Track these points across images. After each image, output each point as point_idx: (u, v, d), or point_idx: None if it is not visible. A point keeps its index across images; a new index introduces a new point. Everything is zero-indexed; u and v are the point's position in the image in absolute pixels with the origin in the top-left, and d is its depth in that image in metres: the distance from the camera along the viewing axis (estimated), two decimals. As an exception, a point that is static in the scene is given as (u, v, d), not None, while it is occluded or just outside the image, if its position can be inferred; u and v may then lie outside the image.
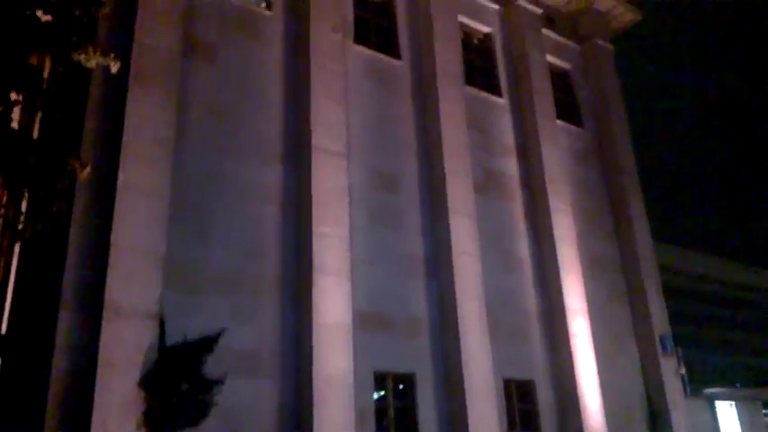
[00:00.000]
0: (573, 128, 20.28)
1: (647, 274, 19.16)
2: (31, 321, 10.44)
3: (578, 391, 15.90)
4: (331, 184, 13.30)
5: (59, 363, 9.70)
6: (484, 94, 18.10)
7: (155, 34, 11.95)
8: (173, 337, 10.61)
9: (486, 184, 16.93)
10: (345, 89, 14.49)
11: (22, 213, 9.01)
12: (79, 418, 9.39)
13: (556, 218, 17.47)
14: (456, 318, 14.27)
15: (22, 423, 9.68)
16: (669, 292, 20.07)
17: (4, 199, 9.27)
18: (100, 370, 9.66)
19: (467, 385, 13.86)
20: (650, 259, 19.56)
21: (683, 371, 18.74)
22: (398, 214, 14.92)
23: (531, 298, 16.68)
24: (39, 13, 9.64)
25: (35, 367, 9.86)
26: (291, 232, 12.93)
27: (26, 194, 9.41)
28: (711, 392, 21.18)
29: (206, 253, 11.77)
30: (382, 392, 13.53)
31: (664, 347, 18.18)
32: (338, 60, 14.52)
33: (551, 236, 17.26)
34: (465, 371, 13.96)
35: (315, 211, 12.87)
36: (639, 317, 18.74)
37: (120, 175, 10.71)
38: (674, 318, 19.59)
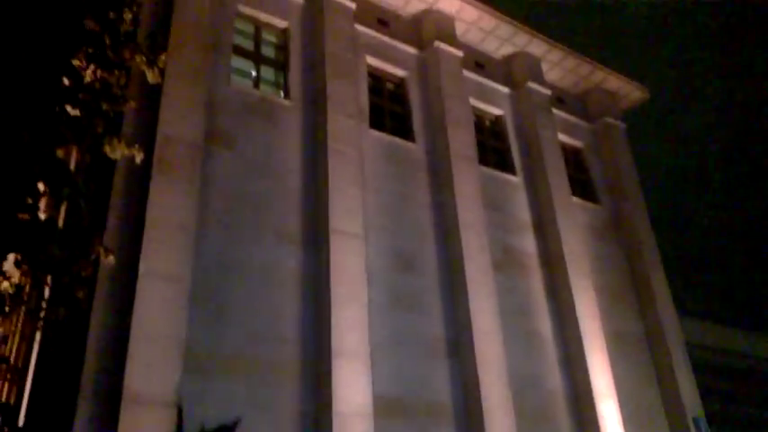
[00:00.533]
0: (589, 205, 20.35)
1: (675, 351, 18.62)
2: (51, 411, 10.33)
3: (610, 477, 15.15)
4: (349, 266, 13.34)
5: (76, 455, 9.52)
6: (498, 173, 18.36)
7: (178, 125, 12.42)
8: (190, 425, 10.39)
9: (505, 261, 16.88)
10: (362, 172, 14.80)
11: (44, 299, 9.11)
12: None
13: (577, 295, 17.24)
14: (480, 401, 13.85)
15: None
16: (699, 369, 19.41)
17: (27, 286, 9.42)
18: (117, 461, 9.45)
19: (494, 474, 13.29)
20: (677, 336, 19.06)
21: (721, 454, 17.82)
22: (418, 295, 14.83)
23: (555, 378, 16.22)
24: (68, 107, 10.13)
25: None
26: (310, 316, 12.87)
27: (49, 281, 9.57)
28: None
29: (224, 338, 11.71)
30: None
31: (698, 429, 17.37)
32: (354, 145, 14.91)
33: (574, 313, 16.97)
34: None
35: (333, 294, 12.85)
36: (670, 397, 18.05)
37: (142, 263, 10.86)
38: (706, 395, 18.84)
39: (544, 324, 16.79)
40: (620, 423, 16.07)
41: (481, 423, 13.64)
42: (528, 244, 17.80)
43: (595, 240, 19.69)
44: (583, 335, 16.64)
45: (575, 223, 18.63)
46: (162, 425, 10.03)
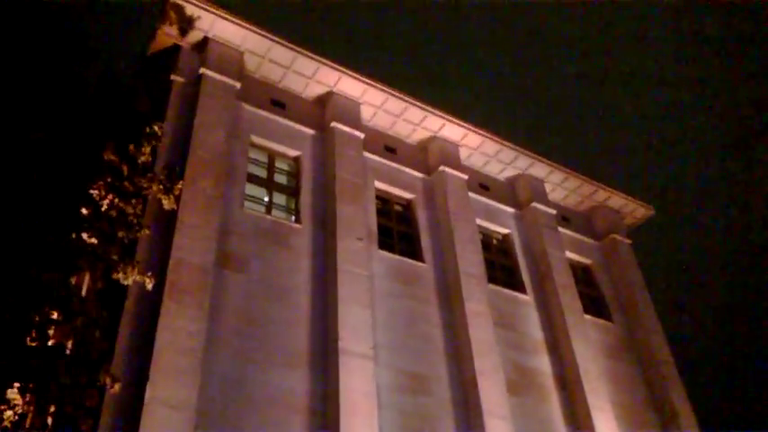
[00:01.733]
0: (602, 322, 20.08)
1: (705, 477, 17.56)
2: None
3: None
4: (359, 387, 13.04)
5: None
6: (508, 292, 18.33)
7: (190, 250, 12.68)
8: None
9: (520, 382, 16.42)
10: (371, 293, 14.84)
11: (48, 429, 8.92)
12: None
13: (596, 417, 16.55)
14: None
15: None
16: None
17: (30, 415, 9.25)
18: None
19: None
20: (705, 459, 18.07)
21: None
22: (430, 418, 14.33)
23: None
24: (84, 235, 10.44)
25: None
26: (319, 440, 12.42)
27: (52, 411, 9.40)
28: None
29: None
30: None
31: None
32: (364, 266, 15.07)
33: (593, 439, 16.23)
34: None
35: (343, 417, 12.46)
36: None
37: (149, 390, 10.68)
38: None
39: (564, 450, 16.03)
40: None
41: None
42: (542, 363, 17.40)
43: (611, 359, 19.22)
44: (606, 464, 15.81)
45: (588, 342, 18.28)
46: None
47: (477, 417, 14.60)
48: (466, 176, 19.25)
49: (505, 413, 14.98)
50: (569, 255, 20.75)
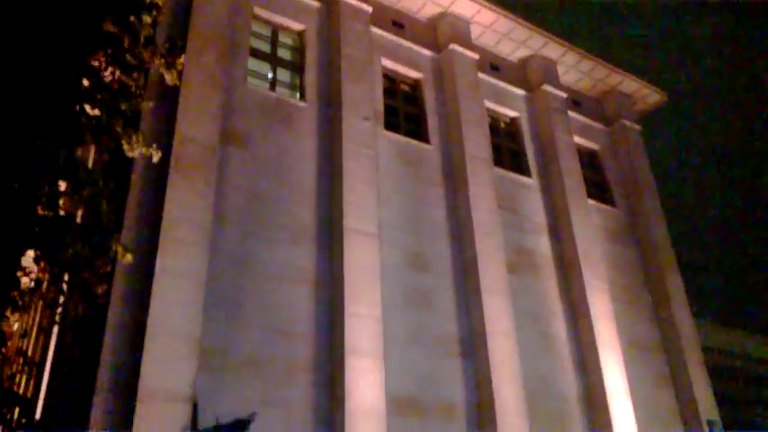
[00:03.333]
0: (604, 207, 20.27)
1: (691, 354, 18.47)
2: (67, 404, 10.53)
3: (626, 480, 15.06)
4: (363, 265, 13.43)
5: (93, 448, 9.68)
6: (513, 175, 18.36)
7: (195, 126, 12.61)
8: (205, 420, 10.53)
9: (519, 262, 16.87)
10: (376, 173, 14.89)
11: (63, 294, 9.31)
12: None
13: (592, 296, 17.17)
14: (492, 401, 13.88)
15: None
16: (717, 374, 19.22)
17: (46, 282, 9.62)
18: (133, 454, 9.59)
19: (506, 474, 13.29)
20: (693, 339, 18.91)
21: (736, 458, 17.63)
22: (431, 295, 14.88)
23: (569, 379, 16.16)
24: (87, 107, 10.33)
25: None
26: (324, 314, 12.98)
27: (66, 277, 9.76)
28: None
29: (239, 335, 11.85)
30: (417, 481, 13.02)
31: (712, 433, 17.22)
32: (369, 146, 15.01)
33: (588, 315, 16.91)
34: (503, 458, 13.41)
35: (347, 292, 12.95)
36: (684, 400, 17.91)
37: (159, 261, 11.04)
38: (724, 401, 18.62)
39: (558, 326, 16.75)
40: (635, 425, 15.96)
41: (494, 423, 13.66)
42: (543, 246, 17.77)
43: (611, 243, 19.61)
44: (597, 337, 16.57)
45: (590, 226, 18.56)
46: (177, 419, 10.18)
47: (476, 293, 15.14)
48: (476, 56, 18.67)
49: (504, 290, 15.52)
50: (577, 139, 20.55)
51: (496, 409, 13.81)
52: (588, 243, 17.99)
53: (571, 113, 20.73)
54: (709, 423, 17.29)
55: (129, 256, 8.73)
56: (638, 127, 22.37)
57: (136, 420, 9.80)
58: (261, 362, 11.87)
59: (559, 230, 18.16)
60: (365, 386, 12.37)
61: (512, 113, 19.75)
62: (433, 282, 15.07)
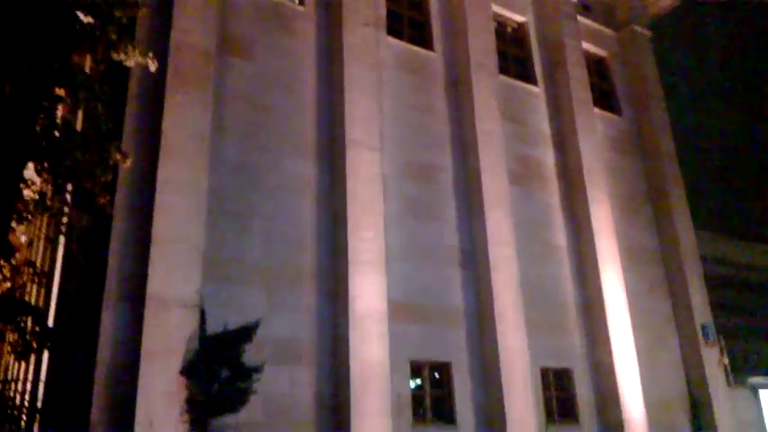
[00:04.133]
0: (610, 115, 19.97)
1: (689, 263, 18.79)
2: (78, 313, 10.84)
3: (617, 382, 15.71)
4: (365, 176, 13.41)
5: (104, 354, 10.02)
6: (519, 83, 17.95)
7: (191, 33, 12.20)
8: (213, 327, 10.87)
9: (523, 174, 16.82)
10: (378, 82, 14.56)
11: (67, 204, 9.35)
12: (124, 406, 9.71)
13: (593, 208, 17.25)
14: (492, 309, 14.27)
15: (69, 410, 10.07)
16: (712, 283, 19.63)
17: (49, 193, 9.63)
18: (143, 360, 9.94)
19: (504, 375, 13.85)
20: (691, 248, 19.18)
21: (726, 361, 18.33)
22: (434, 206, 14.95)
23: (568, 289, 16.53)
24: (81, 14, 9.95)
25: (81, 358, 10.25)
26: (327, 224, 13.09)
27: (70, 188, 9.78)
28: (756, 382, 20.66)
29: (243, 245, 12.01)
30: (419, 381, 13.61)
31: (705, 336, 17.82)
32: (371, 54, 14.59)
33: (589, 227, 17.06)
34: (502, 360, 13.94)
35: (350, 204, 13.01)
36: (680, 307, 18.42)
37: (160, 171, 11.01)
38: (718, 308, 19.12)
39: (559, 236, 16.93)
40: (631, 333, 16.49)
41: (493, 328, 14.10)
42: (547, 156, 17.66)
43: (615, 152, 19.49)
44: (597, 247, 16.80)
45: (595, 135, 18.36)
46: (186, 326, 10.51)
47: (479, 205, 15.20)
48: (483, -43, 17.77)
49: (505, 202, 15.58)
50: (585, 45, 19.93)
51: (495, 316, 14.22)
52: (592, 155, 17.87)
53: (580, 18, 20.00)
54: (703, 327, 17.85)
55: (128, 162, 8.70)
56: (648, 33, 21.65)
57: (145, 327, 10.11)
58: (266, 271, 12.09)
59: (564, 141, 17.98)
60: (368, 294, 12.67)
61: (519, 18, 19.05)
62: (435, 193, 15.09)
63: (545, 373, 15.24)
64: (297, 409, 11.63)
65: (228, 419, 10.48)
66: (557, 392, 15.45)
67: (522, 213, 16.06)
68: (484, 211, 14.98)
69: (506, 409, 13.61)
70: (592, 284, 16.64)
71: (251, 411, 10.78)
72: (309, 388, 11.91)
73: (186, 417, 10.00)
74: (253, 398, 10.84)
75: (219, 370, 10.66)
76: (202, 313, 10.75)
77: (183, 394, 10.09)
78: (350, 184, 13.15)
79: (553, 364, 15.50)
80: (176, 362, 10.20)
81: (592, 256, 16.80)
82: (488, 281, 14.51)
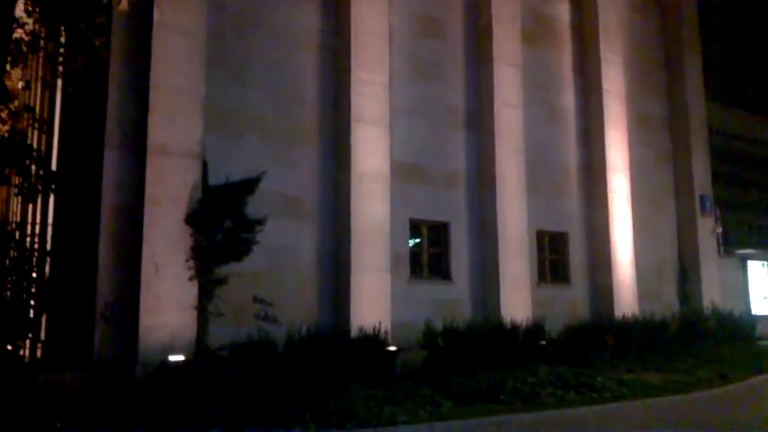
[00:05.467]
0: (632, -27, 18.82)
1: (696, 132, 18.62)
2: (79, 158, 10.80)
3: (611, 245, 16.12)
4: (371, 27, 12.83)
5: (108, 198, 10.08)
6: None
7: None
8: (216, 179, 10.89)
9: (535, 31, 16.12)
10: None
11: (62, 45, 8.99)
12: (131, 251, 9.94)
13: (606, 70, 16.75)
14: (494, 171, 14.28)
15: (77, 254, 10.33)
16: (716, 155, 19.54)
17: (43, 34, 9.22)
18: (147, 206, 10.03)
19: (500, 236, 14.16)
20: (700, 118, 18.90)
21: (719, 230, 18.71)
22: (441, 63, 14.47)
23: (572, 152, 16.47)
24: None
25: (86, 202, 10.35)
26: (330, 78, 12.73)
27: (64, 31, 9.34)
28: (745, 253, 21.25)
29: (245, 97, 11.73)
30: (417, 240, 13.92)
31: (702, 206, 18.05)
32: None
33: (599, 89, 16.66)
34: (499, 222, 14.19)
35: (354, 56, 12.56)
36: (682, 176, 18.50)
37: (156, 14, 10.47)
38: (718, 179, 19.17)
39: (567, 98, 16.59)
40: (629, 198, 16.65)
41: (493, 190, 14.22)
42: (562, 12, 16.85)
43: (634, 12, 18.59)
44: (605, 110, 16.54)
45: (614, -7, 17.41)
46: (188, 175, 10.49)
47: (488, 63, 14.72)
48: None
49: (517, 62, 15.07)
50: None
51: (497, 179, 14.27)
52: (610, 12, 17.08)
53: None
54: (701, 198, 18.02)
55: (123, 3, 8.23)
56: None
57: (148, 175, 10.09)
58: (268, 124, 11.92)
59: (581, -4, 17.09)
60: (370, 152, 12.60)
61: None
62: (442, 48, 14.54)
63: (541, 235, 15.57)
64: (298, 262, 11.97)
65: (232, 267, 10.79)
66: (551, 255, 15.88)
67: (532, 73, 15.58)
68: (493, 71, 14.54)
69: (500, 269, 14.05)
70: (595, 148, 16.56)
71: (254, 261, 11.09)
72: (311, 242, 12.19)
73: (192, 263, 10.27)
74: (255, 248, 11.10)
75: (223, 220, 10.82)
76: (205, 163, 10.71)
77: (188, 241, 10.30)
78: (354, 34, 12.64)
79: (550, 227, 15.79)
80: (180, 210, 10.29)
81: (598, 119, 16.57)
82: (492, 143, 14.39)
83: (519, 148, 14.73)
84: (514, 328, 12.97)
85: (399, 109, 13.38)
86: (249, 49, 11.89)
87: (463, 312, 13.61)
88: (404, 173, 13.37)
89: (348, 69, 12.60)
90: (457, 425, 8.44)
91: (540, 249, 15.59)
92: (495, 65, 14.64)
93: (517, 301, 14.03)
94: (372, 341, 11.36)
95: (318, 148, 12.50)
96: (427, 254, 13.98)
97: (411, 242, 13.72)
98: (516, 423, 8.70)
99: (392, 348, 11.55)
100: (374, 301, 12.16)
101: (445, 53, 14.61)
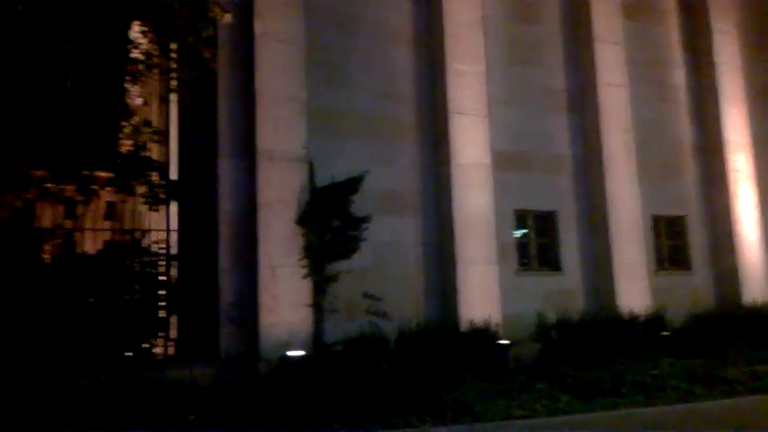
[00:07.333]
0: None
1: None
2: (196, 168, 11.44)
3: (735, 227, 15.03)
4: (464, 16, 12.71)
5: (225, 205, 10.64)
6: None
7: None
8: (321, 180, 11.18)
9: (638, 5, 15.30)
10: None
11: (174, 61, 9.55)
12: (247, 253, 10.44)
13: (717, 41, 15.64)
14: (601, 154, 13.73)
15: (199, 257, 10.96)
16: None
17: (156, 52, 9.84)
18: (259, 210, 10.50)
19: (612, 222, 13.60)
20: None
21: None
22: (538, 46, 14.07)
23: (685, 131, 15.50)
24: None
25: (205, 209, 10.95)
26: (426, 72, 12.71)
27: (175, 47, 9.94)
28: None
29: (345, 98, 11.95)
30: (524, 230, 13.63)
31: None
32: None
33: (711, 62, 15.58)
34: (610, 208, 13.63)
35: (448, 48, 12.49)
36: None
37: (257, 24, 10.90)
38: None
39: (677, 75, 15.62)
40: (751, 176, 15.47)
41: (601, 174, 13.68)
42: (667, -17, 15.91)
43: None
44: (719, 85, 15.44)
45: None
46: (295, 178, 10.87)
47: (588, 43, 14.17)
48: None
49: (618, 38, 14.40)
50: None
51: (604, 162, 13.72)
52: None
53: None
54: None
55: (228, 16, 8.63)
56: None
57: (258, 179, 10.54)
58: (368, 122, 12.09)
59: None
60: (470, 143, 12.50)
61: None
62: (539, 32, 14.14)
63: (657, 220, 14.77)
64: (404, 257, 12.07)
65: (342, 265, 11.05)
66: (669, 240, 15.04)
67: (636, 50, 14.82)
68: (593, 48, 13.98)
69: (613, 257, 13.50)
70: (711, 125, 15.50)
71: (361, 258, 11.30)
72: (415, 236, 12.24)
73: (304, 262, 10.63)
74: (362, 245, 11.31)
75: (331, 219, 11.11)
76: (311, 166, 11.03)
77: (300, 242, 10.67)
78: (447, 26, 12.57)
79: (666, 211, 14.95)
80: (290, 212, 10.69)
81: (712, 95, 15.50)
82: (597, 125, 13.85)
83: (626, 128, 14.07)
84: (632, 318, 12.41)
85: (497, 97, 13.15)
86: (345, 50, 12.11)
87: (575, 303, 13.18)
88: (505, 162, 13.12)
89: (443, 61, 12.54)
90: (578, 419, 8.19)
91: (657, 235, 14.78)
92: (596, 43, 14.07)
93: (633, 291, 13.40)
94: (483, 334, 11.27)
95: (417, 142, 12.53)
96: (535, 244, 13.66)
97: (517, 233, 13.45)
98: (640, 417, 8.31)
99: (504, 342, 11.40)
100: (482, 294, 12.05)
101: (541, 36, 14.20)
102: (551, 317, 12.00)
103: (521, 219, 13.51)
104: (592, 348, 11.29)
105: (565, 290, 13.39)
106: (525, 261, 13.49)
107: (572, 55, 14.32)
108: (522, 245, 13.47)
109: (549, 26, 14.28)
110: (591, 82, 14.01)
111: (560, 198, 13.79)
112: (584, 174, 13.98)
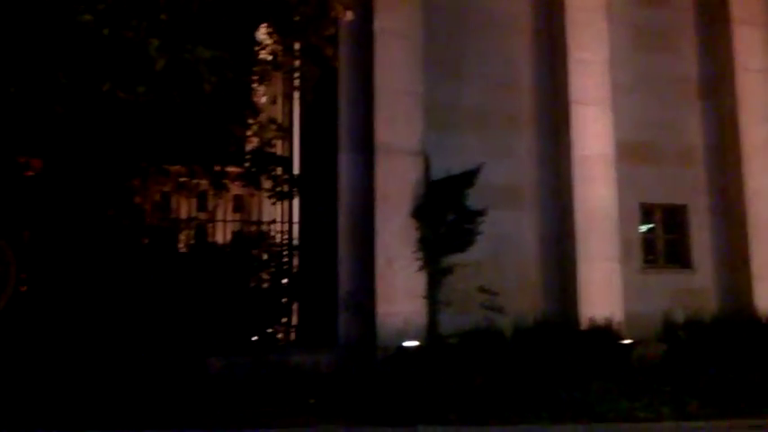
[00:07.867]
0: None
1: None
2: (317, 162, 11.91)
3: None
4: (587, 2, 12.23)
5: (344, 198, 11.01)
6: None
7: None
8: (436, 173, 11.24)
9: (782, -18, 14.03)
10: None
11: (298, 59, 9.99)
12: (365, 244, 10.73)
13: None
14: (738, 144, 12.74)
15: (320, 248, 11.42)
16: None
17: (281, 51, 10.34)
18: (377, 203, 10.75)
19: (750, 219, 12.58)
20: None
21: None
22: (667, 31, 13.26)
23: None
24: None
25: (325, 202, 11.39)
26: (546, 61, 12.37)
27: (297, 47, 10.40)
28: None
29: (460, 91, 11.91)
30: (650, 225, 12.95)
31: None
32: None
33: None
34: (748, 202, 12.62)
35: (569, 36, 12.09)
36: None
37: (376, 21, 11.13)
38: None
39: (829, 55, 14.14)
40: None
41: (739, 166, 12.70)
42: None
43: None
44: None
45: None
46: (411, 172, 11.02)
47: (723, 25, 13.16)
48: None
49: (759, 20, 13.28)
50: None
51: (742, 153, 12.73)
52: None
53: None
54: None
55: (349, 14, 8.91)
56: None
57: (376, 173, 10.80)
58: (484, 115, 11.98)
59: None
60: (592, 134, 12.04)
61: None
62: (668, 15, 13.30)
63: (803, 215, 13.48)
64: (519, 251, 11.86)
65: (456, 258, 11.06)
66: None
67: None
68: (730, 30, 12.97)
69: (751, 255, 12.50)
70: None
71: (476, 251, 11.22)
72: (531, 230, 12.00)
73: (420, 254, 10.77)
74: (478, 239, 11.23)
75: (446, 213, 11.15)
76: (427, 159, 11.13)
77: (415, 234, 10.81)
78: (568, 12, 12.14)
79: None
80: (406, 205, 10.85)
81: None
82: (734, 114, 12.85)
83: (767, 117, 12.96)
84: (774, 321, 11.47)
85: (621, 85, 12.52)
86: (461, 42, 12.06)
87: (706, 303, 12.35)
88: (630, 153, 12.50)
89: (564, 50, 12.16)
90: (715, 426, 7.68)
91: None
92: (733, 26, 13.03)
93: (775, 292, 12.36)
94: (604, 333, 10.85)
95: (535, 134, 12.25)
96: (662, 240, 12.94)
97: (643, 228, 12.81)
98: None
99: (626, 341, 10.92)
100: (603, 292, 11.59)
101: (670, 20, 13.36)
102: (679, 317, 11.36)
103: (647, 213, 12.85)
104: (726, 352, 10.53)
105: (695, 289, 12.59)
106: (651, 257, 12.82)
107: (704, 39, 13.38)
108: (647, 240, 12.81)
109: (678, 9, 13.41)
110: (726, 67, 13.02)
111: (691, 191, 12.95)
112: (717, 165, 13.04)
